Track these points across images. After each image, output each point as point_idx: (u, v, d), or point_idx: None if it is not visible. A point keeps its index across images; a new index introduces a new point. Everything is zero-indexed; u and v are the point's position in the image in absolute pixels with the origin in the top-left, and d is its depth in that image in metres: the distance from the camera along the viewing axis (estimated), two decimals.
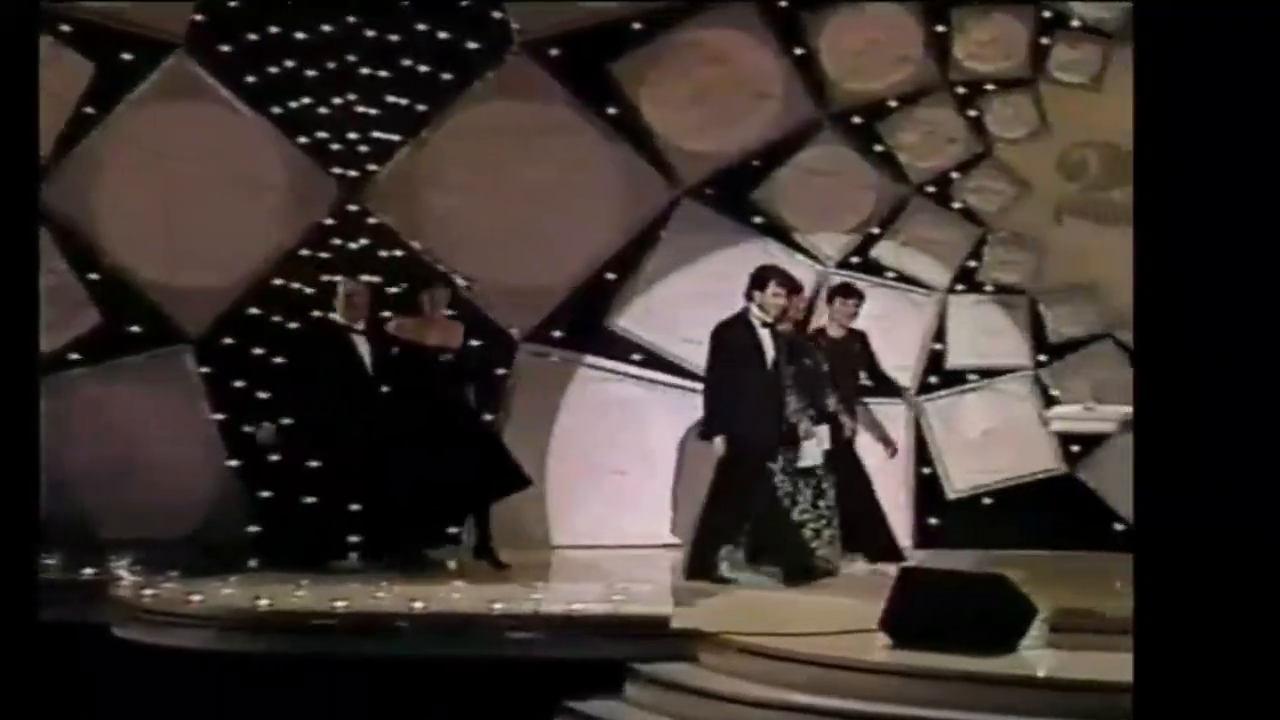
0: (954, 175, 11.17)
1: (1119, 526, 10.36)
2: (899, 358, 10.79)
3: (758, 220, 11.17)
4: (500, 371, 10.89)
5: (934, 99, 11.14)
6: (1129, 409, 7.97)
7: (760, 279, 9.20)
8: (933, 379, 10.84)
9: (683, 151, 11.13)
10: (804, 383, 9.14)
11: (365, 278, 10.03)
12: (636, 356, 11.05)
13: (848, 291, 10.01)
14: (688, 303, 10.99)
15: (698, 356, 10.14)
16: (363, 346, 9.40)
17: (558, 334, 11.00)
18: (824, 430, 9.09)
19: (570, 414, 10.89)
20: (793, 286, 9.28)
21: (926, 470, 10.93)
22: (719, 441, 8.95)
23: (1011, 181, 11.15)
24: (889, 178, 11.18)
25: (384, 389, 9.36)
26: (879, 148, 11.18)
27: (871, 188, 11.16)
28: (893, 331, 10.67)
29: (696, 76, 11.02)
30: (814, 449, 8.99)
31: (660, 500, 10.69)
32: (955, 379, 10.99)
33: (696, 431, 9.40)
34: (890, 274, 11.12)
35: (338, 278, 9.81)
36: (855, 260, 11.10)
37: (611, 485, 10.77)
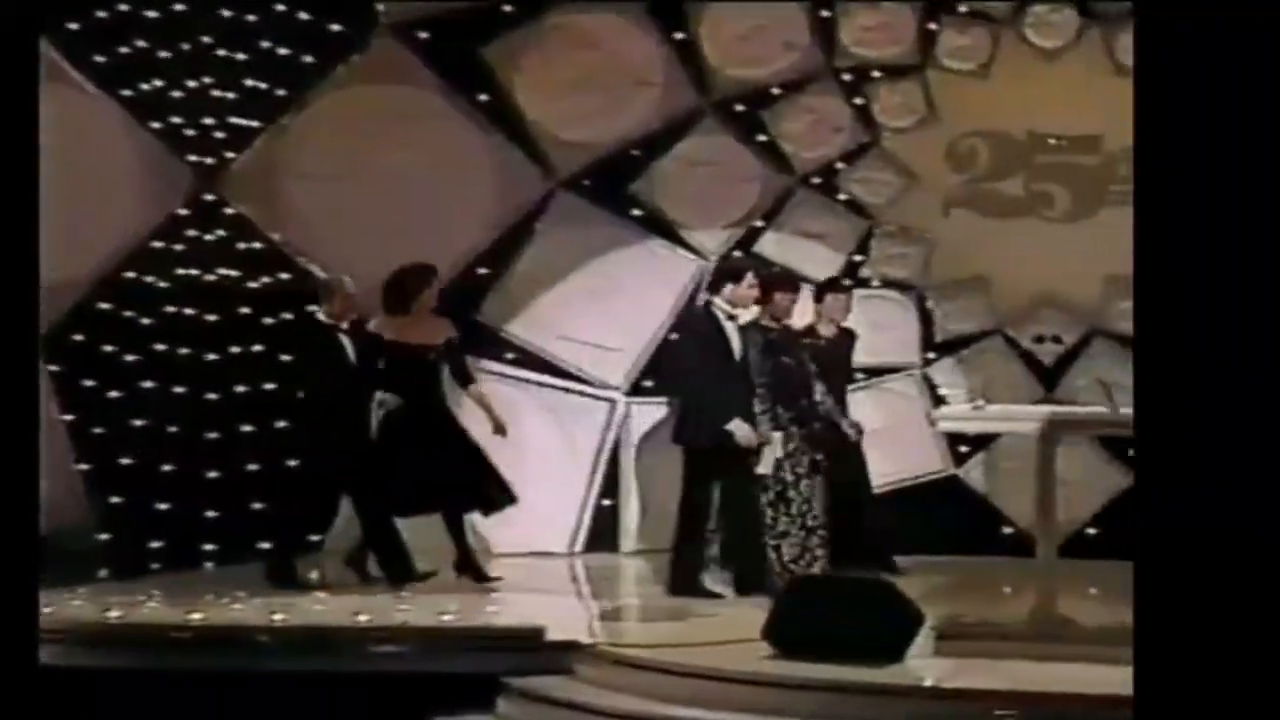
0: (840, 166, 11.29)
1: (1007, 530, 10.54)
2: None
3: (637, 213, 11.23)
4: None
5: (819, 87, 11.26)
6: (1018, 407, 8.13)
7: (735, 270, 9.05)
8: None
9: (558, 141, 11.15)
10: (783, 383, 9.00)
11: (223, 271, 9.94)
12: (510, 355, 11.07)
13: (838, 286, 9.96)
14: (564, 299, 11.02)
15: (574, 355, 10.21)
16: (350, 346, 9.20)
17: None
18: (778, 437, 8.89)
19: None
20: (789, 285, 9.22)
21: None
22: (741, 428, 8.72)
23: (899, 172, 11.29)
24: (773, 168, 11.28)
25: (371, 391, 9.19)
26: (762, 137, 11.27)
27: (755, 179, 11.26)
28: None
29: (573, 62, 11.04)
30: (769, 456, 8.84)
31: (536, 506, 10.74)
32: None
33: (670, 435, 9.18)
34: (774, 268, 11.19)
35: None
36: (738, 254, 11.18)
37: None
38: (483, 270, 11.03)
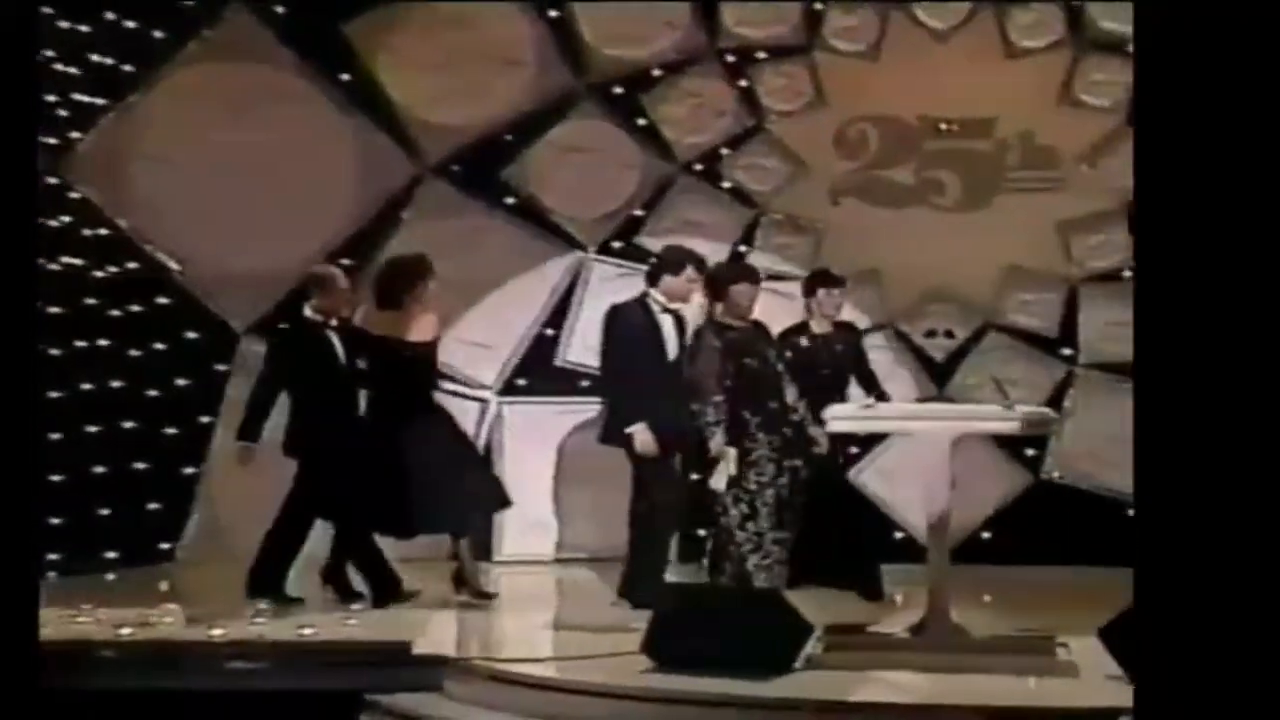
0: (723, 152, 11.31)
1: (899, 535, 10.61)
2: None
3: (509, 201, 11.19)
4: (220, 367, 10.75)
5: (701, 68, 11.27)
6: (909, 405, 8.16)
7: (675, 261, 8.84)
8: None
9: (425, 124, 11.09)
10: (747, 386, 8.70)
11: (67, 259, 9.74)
12: None
13: (829, 280, 9.52)
14: (434, 294, 10.95)
15: (443, 352, 10.06)
16: (339, 345, 8.93)
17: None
18: (731, 453, 8.64)
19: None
20: (748, 277, 8.94)
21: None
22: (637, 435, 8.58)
23: (785, 159, 11.32)
24: (653, 154, 11.27)
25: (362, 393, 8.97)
26: (642, 121, 11.26)
27: (634, 165, 11.25)
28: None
29: (440, 40, 10.99)
30: (722, 471, 8.65)
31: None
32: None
33: (597, 435, 9.07)
34: (654, 260, 11.18)
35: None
36: (617, 245, 11.17)
37: None
38: (345, 262, 10.92)
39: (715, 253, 11.12)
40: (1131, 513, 10.79)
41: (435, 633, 8.21)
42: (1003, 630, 7.81)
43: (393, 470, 8.65)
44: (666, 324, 8.75)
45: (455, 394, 10.91)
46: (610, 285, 10.96)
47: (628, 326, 8.77)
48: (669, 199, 11.29)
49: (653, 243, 11.12)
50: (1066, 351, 11.09)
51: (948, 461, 7.44)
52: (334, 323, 8.97)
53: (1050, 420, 8.09)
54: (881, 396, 9.01)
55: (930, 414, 7.87)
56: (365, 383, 8.91)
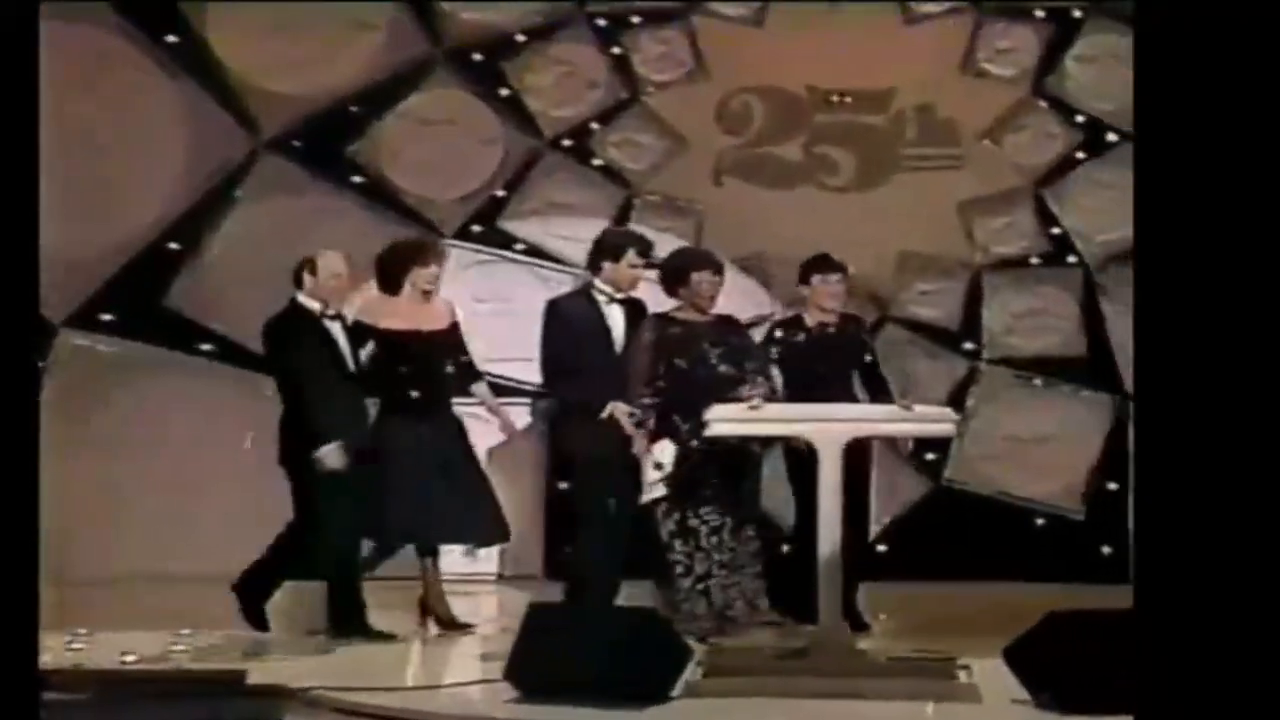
0: (594, 126, 11.31)
1: (785, 549, 10.64)
2: (526, 348, 10.86)
3: (357, 180, 11.14)
4: (39, 364, 10.62)
5: (570, 34, 11.27)
6: (799, 406, 8.19)
7: (613, 246, 8.74)
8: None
9: (262, 93, 11.02)
10: (679, 389, 8.42)
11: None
12: (206, 347, 10.93)
13: (827, 265, 9.08)
14: (270, 279, 10.85)
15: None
16: (342, 339, 8.69)
17: (107, 318, 10.76)
18: (668, 449, 8.41)
19: (122, 415, 10.68)
20: (707, 265, 8.67)
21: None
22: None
23: (662, 134, 11.34)
24: (517, 129, 11.25)
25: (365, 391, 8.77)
26: (504, 92, 11.24)
27: (496, 140, 11.24)
28: (521, 315, 10.72)
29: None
30: (653, 479, 8.42)
31: (246, 525, 10.59)
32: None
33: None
34: (518, 246, 11.19)
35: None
36: (477, 229, 11.15)
37: (176, 503, 10.59)
38: (174, 245, 10.84)
39: (586, 238, 11.16)
40: (1042, 522, 10.94)
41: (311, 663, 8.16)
42: (899, 651, 7.86)
43: (389, 475, 8.58)
44: (616, 315, 8.66)
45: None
46: (469, 274, 10.94)
47: (567, 323, 8.69)
48: (534, 178, 11.28)
49: (516, 226, 11.13)
50: (969, 346, 11.19)
51: (839, 468, 7.47)
52: (331, 312, 8.73)
53: (951, 421, 8.15)
54: (883, 397, 8.81)
55: (821, 415, 7.90)
56: (375, 382, 8.76)
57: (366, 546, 8.89)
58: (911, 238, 11.13)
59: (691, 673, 7.10)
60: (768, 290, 11.12)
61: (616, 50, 11.30)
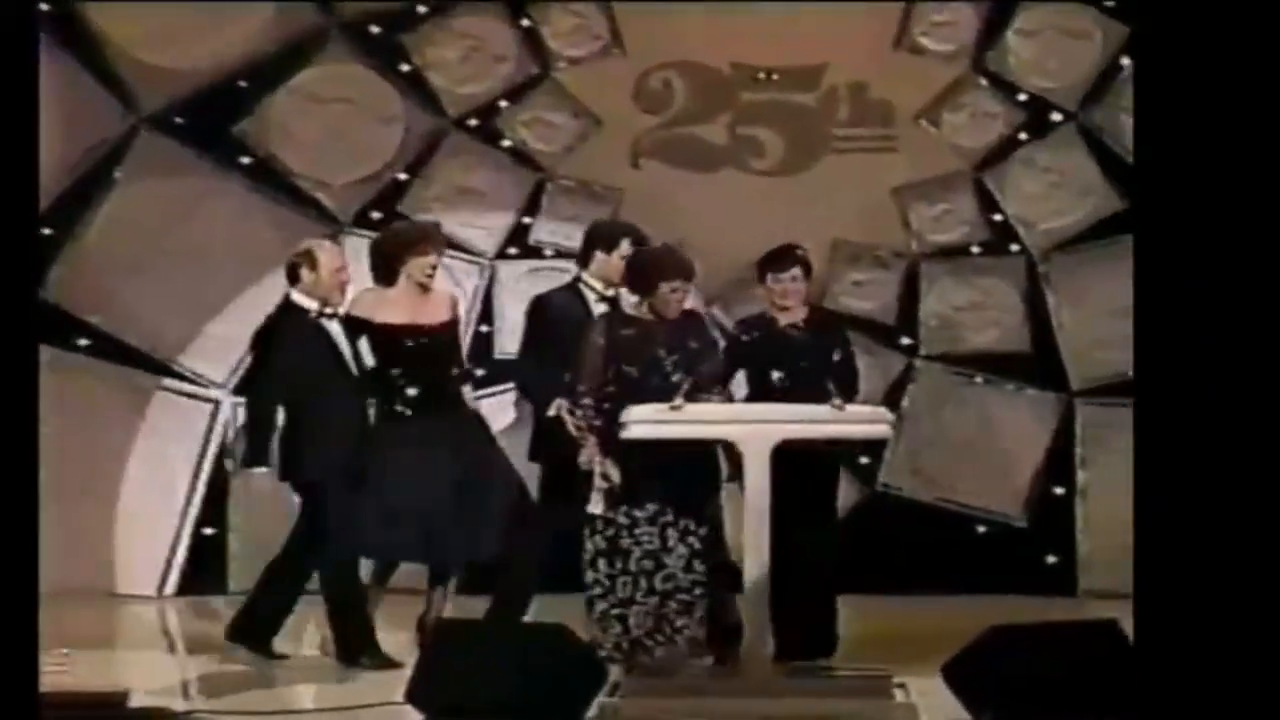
0: (503, 104, 11.28)
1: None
2: None
3: (244, 161, 11.08)
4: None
5: (476, 5, 11.23)
6: (723, 407, 8.19)
7: (607, 236, 8.76)
8: (480, 371, 10.48)
9: (142, 65, 10.95)
10: (627, 397, 8.23)
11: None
12: (83, 342, 10.89)
13: (784, 259, 8.92)
14: (152, 268, 10.81)
15: (163, 342, 9.99)
16: (342, 339, 8.55)
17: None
18: (611, 471, 8.25)
19: None
20: (675, 270, 8.44)
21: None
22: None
23: (576, 113, 11.32)
24: (418, 107, 11.20)
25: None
26: (405, 67, 11.20)
27: (396, 120, 11.19)
28: None
29: None
30: (596, 492, 8.29)
31: (115, 535, 10.53)
32: (509, 371, 10.71)
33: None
34: (584, 238, 11.13)
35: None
36: (376, 215, 11.10)
37: (50, 514, 10.47)
38: (46, 230, 10.74)
39: (494, 225, 11.15)
40: (983, 529, 10.99)
41: (154, 681, 8.10)
42: (832, 668, 7.88)
43: (386, 488, 8.48)
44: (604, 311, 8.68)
45: (177, 392, 10.81)
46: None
47: (554, 324, 8.71)
48: (438, 160, 11.24)
49: (419, 212, 11.06)
50: (905, 341, 11.22)
51: (767, 473, 7.48)
52: (329, 310, 8.60)
53: (887, 422, 8.17)
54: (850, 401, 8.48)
55: (746, 416, 7.92)
56: (379, 383, 8.67)
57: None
58: (843, 225, 11.15)
59: (607, 693, 7.10)
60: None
61: (526, 23, 11.27)
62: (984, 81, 11.27)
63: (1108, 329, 10.92)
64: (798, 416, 7.97)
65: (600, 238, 8.88)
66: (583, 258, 8.91)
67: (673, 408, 7.96)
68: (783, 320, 8.87)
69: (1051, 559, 10.92)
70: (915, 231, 11.24)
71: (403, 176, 11.21)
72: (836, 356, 8.85)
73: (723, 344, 8.87)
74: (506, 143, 11.31)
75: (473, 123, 11.28)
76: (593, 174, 11.31)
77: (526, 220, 11.26)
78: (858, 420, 7.75)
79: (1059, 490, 11.05)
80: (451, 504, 8.54)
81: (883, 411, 8.16)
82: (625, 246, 8.74)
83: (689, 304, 8.57)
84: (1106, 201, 11.12)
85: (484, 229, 11.16)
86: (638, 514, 8.28)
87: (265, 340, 8.70)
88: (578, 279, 8.87)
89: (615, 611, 8.26)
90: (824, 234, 11.04)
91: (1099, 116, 11.15)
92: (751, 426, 7.67)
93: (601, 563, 8.29)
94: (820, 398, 8.05)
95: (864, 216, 11.15)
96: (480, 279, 11.22)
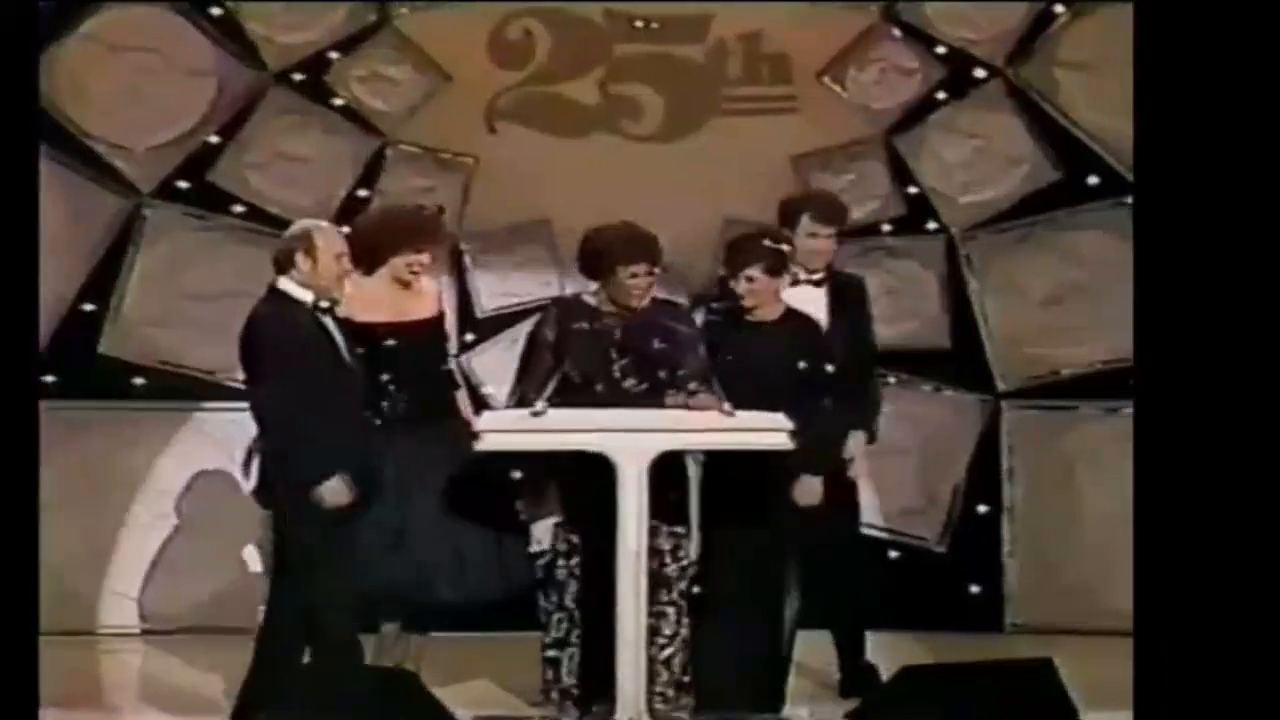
0: (333, 56, 11.26)
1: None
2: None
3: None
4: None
5: None
6: (593, 413, 8.21)
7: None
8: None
9: None
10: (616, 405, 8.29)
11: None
12: None
13: (753, 249, 8.84)
14: None
15: None
16: (340, 340, 8.36)
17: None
18: (547, 525, 8.34)
19: None
20: (640, 252, 8.51)
21: None
22: None
23: (421, 67, 11.31)
24: (234, 58, 11.15)
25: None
26: (217, 11, 11.15)
27: (208, 73, 11.16)
28: (248, 301, 10.65)
29: None
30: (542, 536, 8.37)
31: None
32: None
33: None
34: (238, 208, 11.10)
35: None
36: (183, 185, 11.06)
37: None
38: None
39: (325, 196, 11.11)
40: (896, 555, 11.07)
41: None
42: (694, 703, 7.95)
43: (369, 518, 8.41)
44: None
45: None
46: (183, 242, 10.86)
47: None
48: (257, 122, 11.22)
49: (234, 183, 11.04)
50: None
51: (644, 491, 7.50)
52: (325, 304, 8.39)
53: (785, 430, 8.20)
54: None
55: (619, 424, 7.92)
56: (386, 393, 8.64)
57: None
58: (735, 199, 11.17)
59: None
60: (556, 268, 11.13)
61: None
62: (897, 33, 11.34)
63: (1040, 320, 11.04)
64: (681, 425, 7.97)
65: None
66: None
67: (534, 414, 7.96)
68: (760, 318, 8.87)
69: (974, 589, 11.01)
70: None
71: (215, 140, 11.17)
72: (803, 365, 8.79)
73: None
74: (338, 101, 11.29)
75: (298, 77, 11.26)
76: (441, 139, 11.30)
77: (362, 193, 11.23)
78: (752, 428, 7.77)
79: (983, 509, 11.13)
80: (439, 533, 8.55)
81: (780, 419, 8.14)
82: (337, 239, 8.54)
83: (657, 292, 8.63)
84: (1039, 172, 11.22)
85: (311, 203, 11.11)
86: (574, 540, 8.33)
87: (257, 342, 8.42)
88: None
89: (549, 654, 8.35)
90: (712, 210, 11.08)
91: (1030, 73, 11.25)
92: (626, 436, 7.66)
93: (540, 595, 8.41)
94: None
95: (758, 189, 11.15)
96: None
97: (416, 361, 8.77)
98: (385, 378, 8.66)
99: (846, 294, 9.24)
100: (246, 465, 8.46)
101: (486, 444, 7.82)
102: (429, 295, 8.94)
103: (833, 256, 9.25)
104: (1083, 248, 11.13)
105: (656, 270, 8.55)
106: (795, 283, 8.92)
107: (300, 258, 8.38)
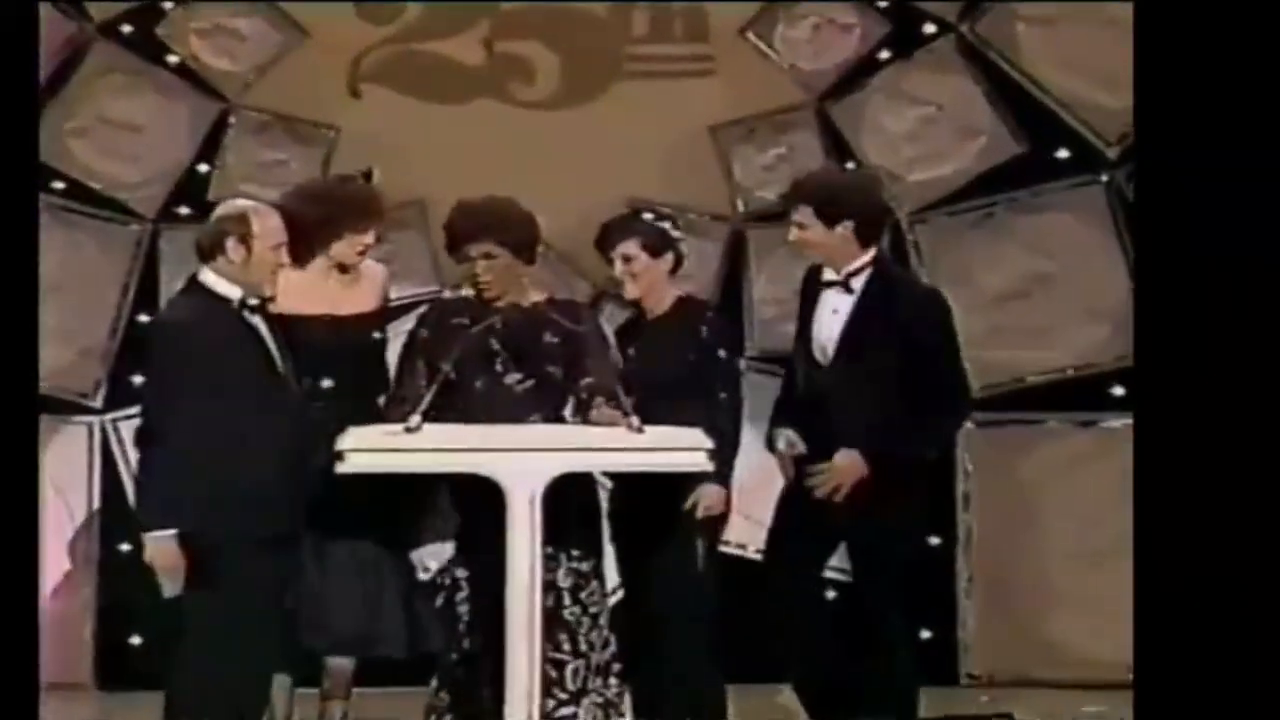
0: (167, 6, 11.31)
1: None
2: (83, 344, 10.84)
3: None
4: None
5: None
6: (475, 429, 8.22)
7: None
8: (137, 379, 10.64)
9: None
10: (501, 407, 8.41)
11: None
12: None
13: (635, 226, 9.02)
14: None
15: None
16: (271, 341, 8.20)
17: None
18: (443, 550, 8.47)
19: None
20: (520, 235, 8.67)
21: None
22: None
23: (274, 21, 11.34)
24: (51, 7, 11.12)
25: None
26: None
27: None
28: (59, 292, 10.66)
29: None
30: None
31: None
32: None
33: None
34: (57, 184, 11.10)
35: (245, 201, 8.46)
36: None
37: None
38: None
39: (159, 172, 11.11)
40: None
41: None
42: None
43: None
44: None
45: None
46: None
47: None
48: (78, 82, 11.33)
49: (52, 155, 11.02)
50: None
51: (536, 518, 7.52)
52: (254, 302, 8.21)
53: (704, 449, 8.19)
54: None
55: (509, 442, 7.92)
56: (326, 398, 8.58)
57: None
58: (641, 177, 11.21)
59: None
60: (431, 258, 11.15)
61: None
62: None
63: (998, 319, 11.07)
64: (581, 443, 7.98)
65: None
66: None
67: (408, 429, 7.94)
68: (658, 307, 8.99)
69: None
70: (740, 186, 11.34)
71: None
72: (691, 357, 8.89)
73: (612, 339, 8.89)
74: (173, 59, 11.30)
75: (126, 29, 11.28)
76: (295, 105, 11.33)
77: (202, 168, 11.23)
78: (665, 447, 7.76)
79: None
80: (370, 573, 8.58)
81: (697, 435, 8.13)
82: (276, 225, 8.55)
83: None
84: (998, 144, 11.27)
85: (141, 178, 11.11)
86: (474, 552, 8.38)
87: (166, 344, 8.27)
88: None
89: (448, 678, 8.43)
90: (614, 189, 11.09)
91: (986, 29, 11.31)
92: (516, 456, 7.66)
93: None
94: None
95: (670, 165, 11.22)
96: (136, 249, 11.17)
97: (354, 363, 8.71)
98: (326, 384, 8.62)
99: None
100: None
101: (349, 465, 7.76)
102: (369, 286, 8.86)
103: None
104: (1050, 233, 11.19)
105: (500, 253, 8.59)
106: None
107: (232, 245, 8.16)
